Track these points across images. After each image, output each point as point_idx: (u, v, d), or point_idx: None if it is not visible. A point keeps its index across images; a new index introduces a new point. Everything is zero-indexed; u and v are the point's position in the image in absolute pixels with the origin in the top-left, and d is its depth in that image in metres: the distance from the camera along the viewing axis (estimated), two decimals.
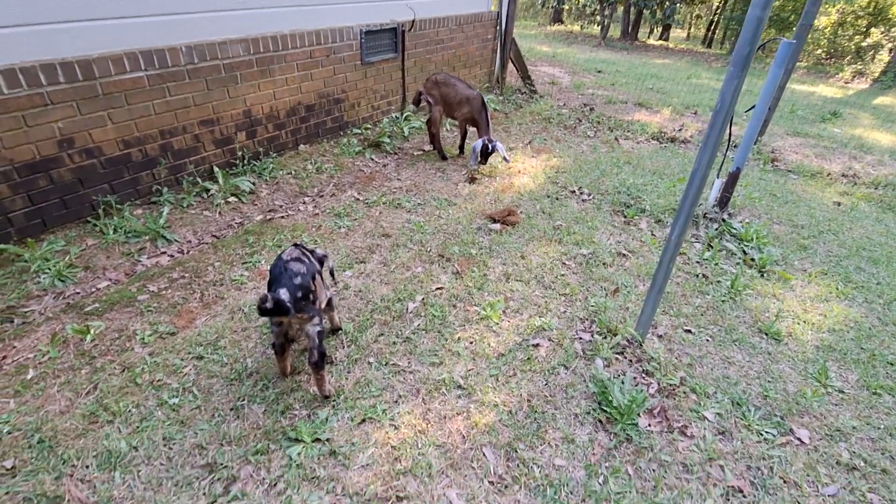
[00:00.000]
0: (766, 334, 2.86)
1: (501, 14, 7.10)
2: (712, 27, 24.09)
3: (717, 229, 3.91)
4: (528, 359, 2.55)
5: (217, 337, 2.57)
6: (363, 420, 2.16)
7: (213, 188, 3.88)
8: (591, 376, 2.44)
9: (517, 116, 6.72)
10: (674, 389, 2.42)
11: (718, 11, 23.59)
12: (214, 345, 2.52)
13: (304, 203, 4.05)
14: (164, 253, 3.24)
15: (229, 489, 1.85)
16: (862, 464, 2.13)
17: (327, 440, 2.05)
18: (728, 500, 1.94)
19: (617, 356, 2.59)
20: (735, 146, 4.52)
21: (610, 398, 2.24)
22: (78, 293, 2.83)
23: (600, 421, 2.23)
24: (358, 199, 4.16)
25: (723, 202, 4.09)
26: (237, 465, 1.93)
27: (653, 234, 3.88)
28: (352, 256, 3.35)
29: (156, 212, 3.54)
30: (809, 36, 8.79)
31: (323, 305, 2.33)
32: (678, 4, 19.52)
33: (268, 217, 3.78)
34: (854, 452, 2.18)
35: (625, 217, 4.13)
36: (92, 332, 2.52)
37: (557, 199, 4.37)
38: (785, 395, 2.46)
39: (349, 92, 5.19)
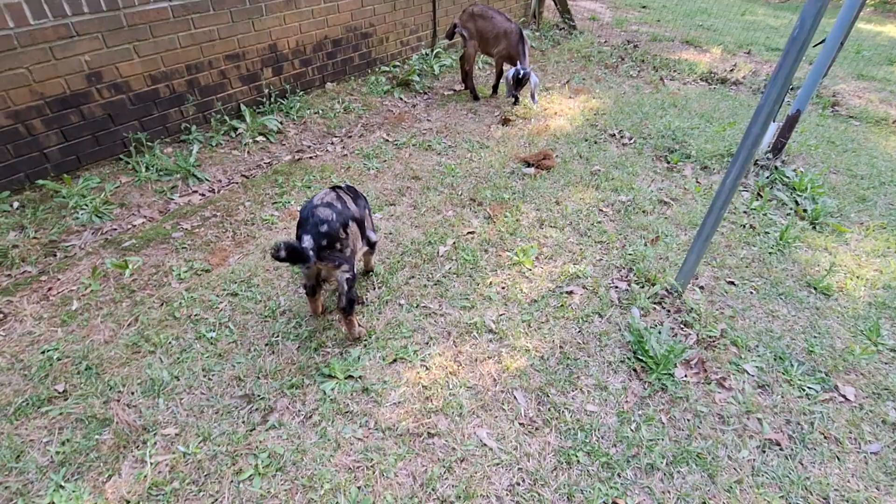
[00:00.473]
0: (815, 289, 2.71)
1: None
2: None
3: (768, 177, 3.65)
4: (562, 306, 2.49)
5: (250, 275, 2.59)
6: (395, 360, 2.17)
7: (241, 127, 3.81)
8: (627, 325, 2.37)
9: (554, 54, 6.31)
10: (713, 341, 2.34)
11: None
12: (248, 282, 2.54)
13: (332, 144, 3.95)
14: (196, 192, 3.24)
15: (267, 419, 1.91)
16: None
17: (360, 377, 2.08)
18: (764, 451, 1.90)
19: (654, 306, 2.51)
20: (792, 88, 4.13)
21: (646, 347, 2.18)
22: (115, 229, 2.87)
23: (634, 370, 2.18)
24: (387, 141, 4.04)
25: (777, 148, 3.79)
26: (274, 397, 1.99)
27: (697, 182, 3.66)
28: (382, 199, 3.28)
29: (185, 150, 3.51)
30: None
31: (359, 254, 2.25)
32: None
33: (296, 157, 3.72)
34: None
35: (668, 163, 3.89)
36: (130, 266, 2.57)
37: (596, 142, 4.14)
38: (831, 351, 2.35)
39: (377, 26, 4.92)
